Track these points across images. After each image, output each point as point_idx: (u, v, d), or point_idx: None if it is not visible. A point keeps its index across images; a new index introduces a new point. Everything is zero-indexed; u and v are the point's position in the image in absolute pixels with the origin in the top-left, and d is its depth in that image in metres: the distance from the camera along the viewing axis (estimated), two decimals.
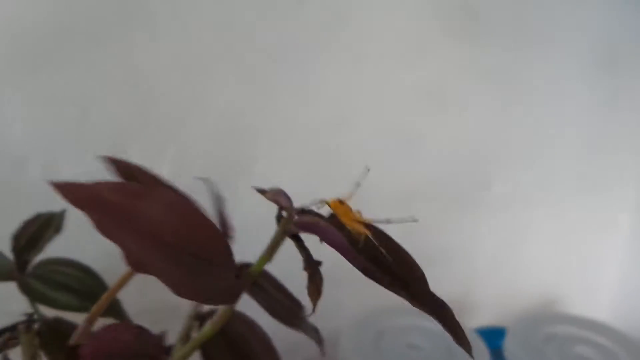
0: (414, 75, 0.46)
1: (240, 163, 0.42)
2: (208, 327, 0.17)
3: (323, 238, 0.15)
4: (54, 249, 0.28)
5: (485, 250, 0.53)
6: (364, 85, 0.45)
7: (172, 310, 0.27)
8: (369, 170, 0.18)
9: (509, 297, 0.55)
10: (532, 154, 0.52)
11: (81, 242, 0.34)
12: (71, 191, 0.13)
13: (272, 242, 0.17)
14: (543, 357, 0.34)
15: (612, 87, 0.52)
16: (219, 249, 0.16)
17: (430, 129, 0.48)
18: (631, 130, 0.54)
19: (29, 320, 0.25)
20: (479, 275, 0.54)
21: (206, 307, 0.20)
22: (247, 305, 0.22)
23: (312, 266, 0.17)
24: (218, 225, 0.18)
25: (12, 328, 0.24)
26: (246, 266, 0.17)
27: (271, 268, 0.20)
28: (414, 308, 0.15)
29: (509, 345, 0.36)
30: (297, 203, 0.17)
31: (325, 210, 0.17)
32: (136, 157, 0.39)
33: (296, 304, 0.22)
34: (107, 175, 0.38)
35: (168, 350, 0.17)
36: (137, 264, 0.14)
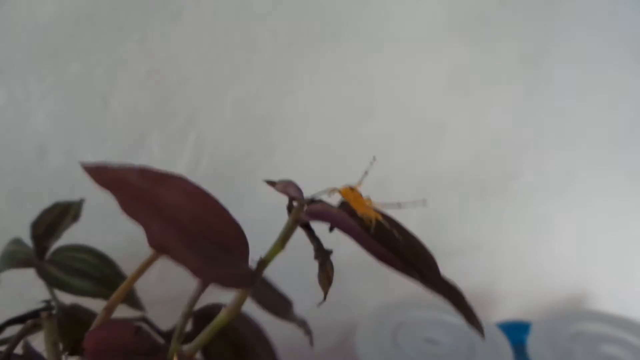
0: (437, 63, 0.45)
1: (260, 151, 0.42)
2: (224, 313, 0.17)
3: (335, 225, 0.15)
4: (77, 236, 0.28)
5: (511, 242, 0.52)
6: (386, 73, 0.44)
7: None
8: (375, 159, 0.17)
9: (536, 291, 0.54)
10: (561, 144, 0.50)
11: (101, 230, 0.35)
12: (99, 173, 0.14)
13: (284, 231, 0.17)
14: (569, 356, 0.33)
15: None
16: (235, 237, 0.16)
17: (454, 117, 0.47)
18: None
19: (46, 307, 0.26)
20: (504, 267, 0.52)
21: (199, 306, 0.20)
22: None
23: (322, 255, 0.16)
24: None
25: (35, 314, 0.24)
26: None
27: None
28: (432, 301, 0.14)
29: (533, 342, 0.35)
30: (316, 193, 0.17)
31: (334, 200, 0.16)
32: (156, 144, 0.39)
33: (284, 299, 0.22)
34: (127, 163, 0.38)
35: (167, 347, 0.17)
36: (160, 246, 0.14)
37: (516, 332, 0.40)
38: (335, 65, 0.42)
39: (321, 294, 0.16)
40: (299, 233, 0.17)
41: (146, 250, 0.16)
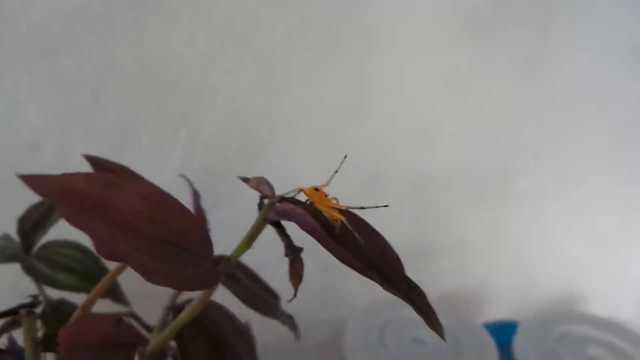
0: (433, 63, 0.44)
1: (252, 148, 0.42)
2: (186, 312, 0.17)
3: (299, 225, 0.15)
4: (64, 232, 0.28)
5: (504, 243, 0.52)
6: (380, 72, 0.43)
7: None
8: (346, 157, 0.17)
9: (528, 292, 0.54)
10: (556, 145, 0.50)
11: None
12: (38, 183, 0.14)
13: (252, 229, 0.17)
14: (554, 356, 0.33)
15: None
16: (197, 237, 0.16)
17: (449, 117, 0.47)
18: None
19: (33, 302, 0.26)
20: (497, 268, 0.52)
21: (182, 298, 0.20)
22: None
23: (293, 252, 0.17)
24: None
25: (15, 311, 0.25)
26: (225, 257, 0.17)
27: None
28: None
29: (519, 342, 0.35)
30: (285, 193, 0.17)
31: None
32: (148, 141, 0.39)
33: (271, 294, 0.22)
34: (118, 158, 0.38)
35: (147, 340, 0.17)
36: (108, 252, 0.14)
37: (506, 332, 0.40)
38: (330, 64, 0.42)
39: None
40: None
41: None
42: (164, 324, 0.17)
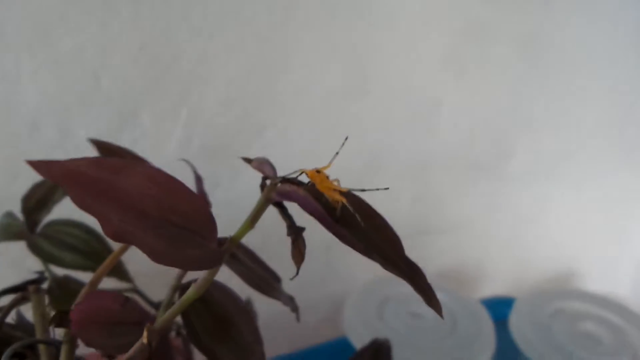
0: (433, 42, 0.44)
1: (252, 128, 0.42)
2: (192, 291, 0.17)
3: (301, 206, 0.15)
4: (67, 211, 0.29)
5: (503, 221, 0.53)
6: (380, 51, 0.43)
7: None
8: (347, 139, 0.17)
9: (526, 270, 0.55)
10: (555, 126, 0.50)
11: None
12: (47, 168, 0.14)
13: (255, 210, 0.17)
14: (548, 331, 0.34)
15: None
16: (201, 218, 0.16)
17: (449, 97, 0.46)
18: None
19: (40, 278, 0.27)
20: (495, 245, 0.53)
21: (188, 278, 0.21)
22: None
23: (295, 232, 0.17)
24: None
25: (23, 287, 0.25)
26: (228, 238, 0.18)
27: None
28: None
29: (515, 317, 0.36)
30: (287, 174, 0.17)
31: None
32: (148, 120, 0.39)
33: (272, 275, 0.22)
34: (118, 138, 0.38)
35: (154, 318, 0.18)
36: (116, 234, 0.14)
37: (502, 307, 0.41)
38: (330, 43, 0.41)
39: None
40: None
41: None
42: (170, 302, 0.18)
